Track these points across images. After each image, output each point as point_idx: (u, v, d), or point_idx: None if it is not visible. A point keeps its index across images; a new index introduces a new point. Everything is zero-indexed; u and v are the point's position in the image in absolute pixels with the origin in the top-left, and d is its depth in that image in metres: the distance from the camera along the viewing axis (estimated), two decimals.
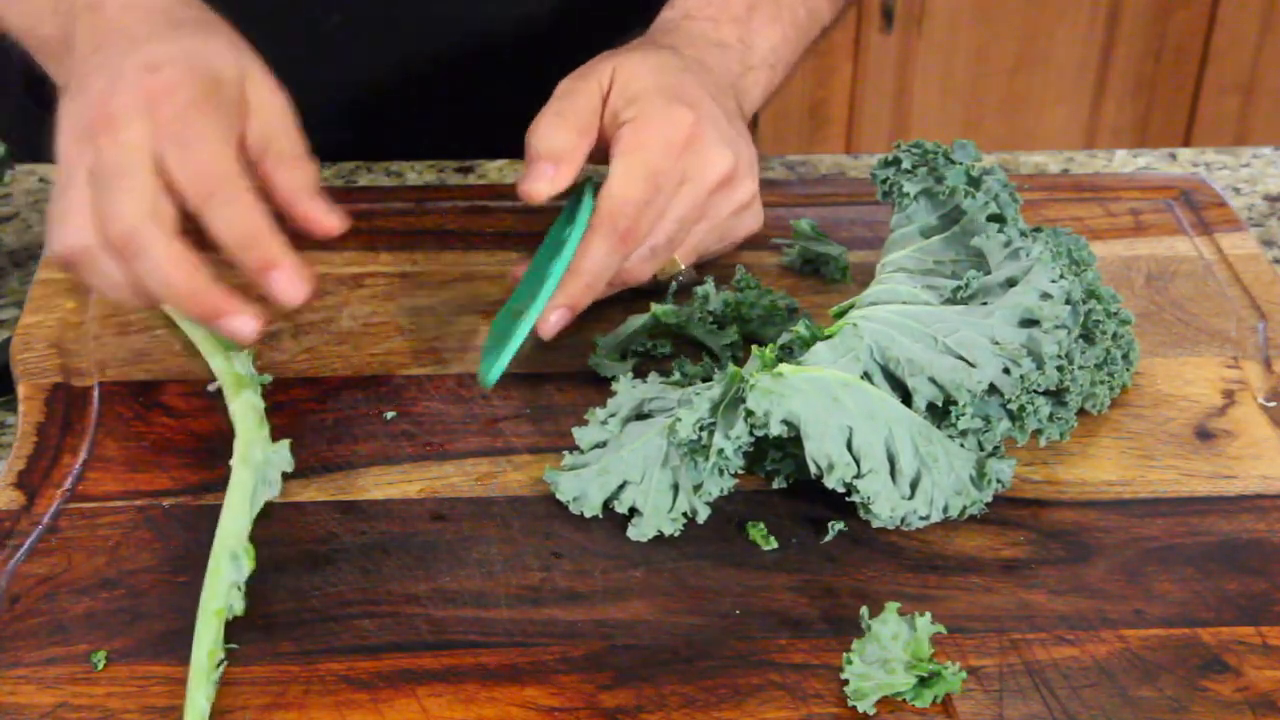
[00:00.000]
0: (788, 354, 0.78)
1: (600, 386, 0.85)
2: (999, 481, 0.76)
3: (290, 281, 0.75)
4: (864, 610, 0.70)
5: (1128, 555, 0.76)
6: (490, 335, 0.86)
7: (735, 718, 0.67)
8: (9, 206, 1.03)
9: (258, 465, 0.77)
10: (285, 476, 0.78)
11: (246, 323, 0.75)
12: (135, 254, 0.74)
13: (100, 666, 0.69)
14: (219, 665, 0.68)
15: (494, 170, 1.07)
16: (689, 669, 0.69)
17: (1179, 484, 0.80)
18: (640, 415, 0.79)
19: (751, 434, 0.74)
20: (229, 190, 0.75)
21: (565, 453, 0.79)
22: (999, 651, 0.70)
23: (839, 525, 0.76)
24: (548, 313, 0.83)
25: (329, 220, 0.80)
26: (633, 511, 0.76)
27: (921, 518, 0.75)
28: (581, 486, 0.76)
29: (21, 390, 0.83)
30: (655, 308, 0.87)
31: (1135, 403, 0.85)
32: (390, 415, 0.83)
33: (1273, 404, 0.85)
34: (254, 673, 0.69)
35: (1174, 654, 0.71)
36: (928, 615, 0.69)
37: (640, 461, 0.76)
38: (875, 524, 0.75)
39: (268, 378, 0.84)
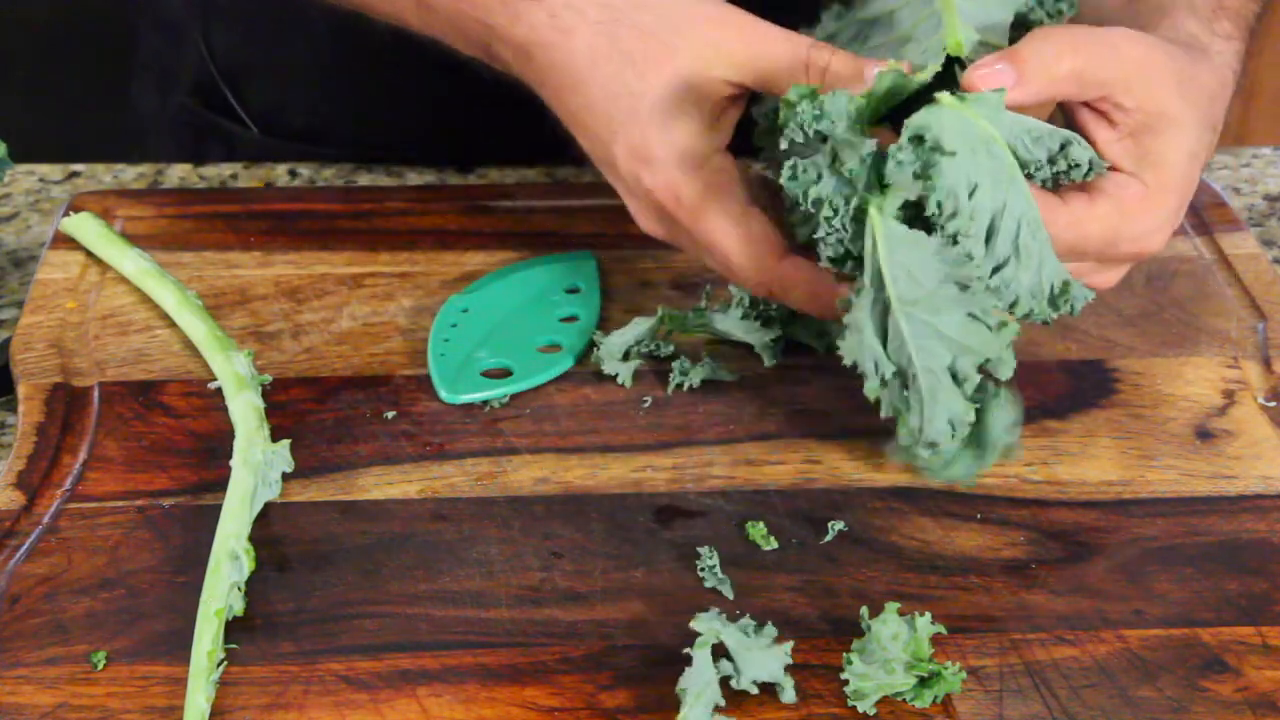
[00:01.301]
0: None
1: (601, 386, 0.85)
2: (1072, 307, 0.75)
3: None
4: (864, 610, 0.70)
5: (1128, 555, 0.76)
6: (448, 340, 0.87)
7: (735, 717, 0.67)
8: (9, 206, 1.03)
9: (258, 465, 0.77)
10: (285, 476, 0.78)
11: None
12: (779, 293, 0.80)
13: (100, 666, 0.69)
14: (219, 665, 0.68)
15: (494, 170, 1.07)
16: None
17: (1179, 484, 0.80)
18: None
19: (911, 157, 0.71)
20: (775, 284, 0.79)
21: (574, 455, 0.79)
22: (999, 651, 0.70)
23: (839, 525, 0.76)
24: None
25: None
26: None
27: (985, 302, 0.72)
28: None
29: (21, 390, 0.83)
30: (662, 309, 0.87)
31: (1135, 403, 0.85)
32: (390, 415, 0.83)
33: (1273, 404, 0.85)
34: (254, 673, 0.69)
35: (1174, 654, 0.71)
36: (928, 615, 0.69)
37: None
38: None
39: (268, 378, 0.84)
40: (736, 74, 0.77)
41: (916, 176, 0.71)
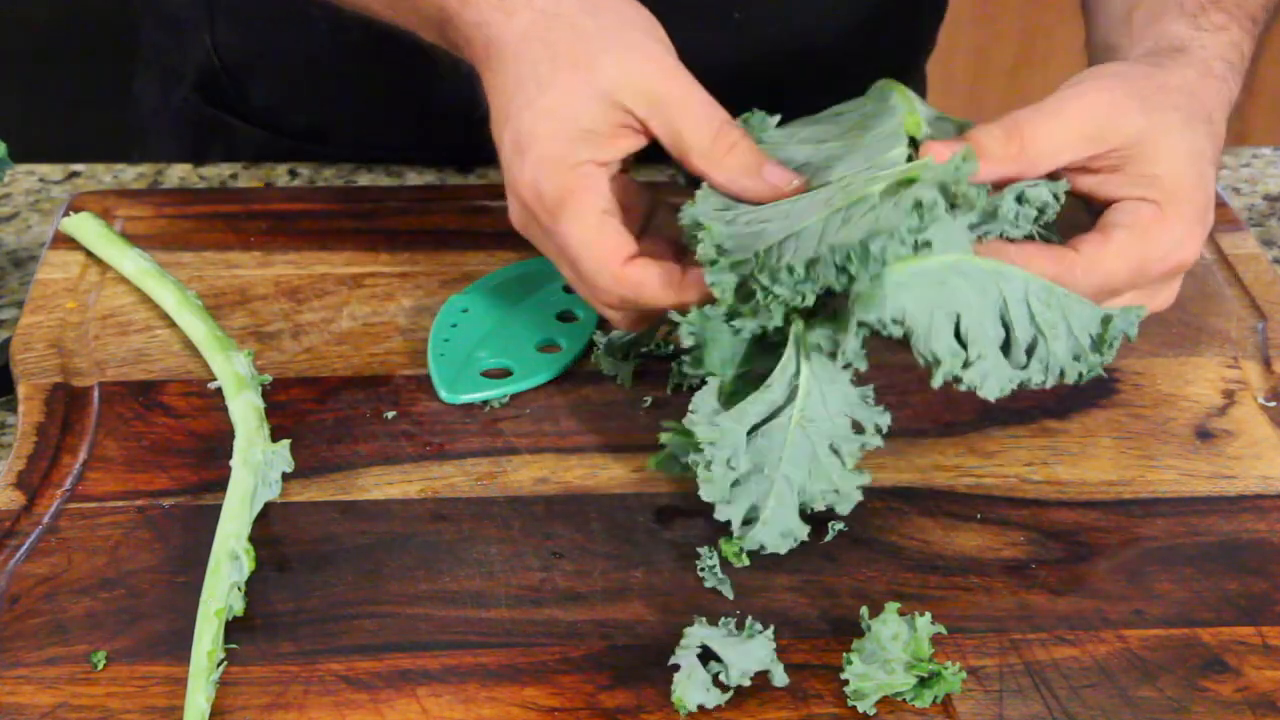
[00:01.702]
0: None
1: (601, 386, 0.85)
2: (1125, 337, 0.75)
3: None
4: (864, 610, 0.70)
5: (1128, 555, 0.76)
6: (449, 339, 0.87)
7: (735, 717, 0.67)
8: (9, 206, 1.03)
9: (258, 465, 0.77)
10: (285, 476, 0.78)
11: None
12: (631, 301, 0.76)
13: (100, 666, 0.69)
14: (219, 665, 0.68)
15: (494, 170, 1.07)
16: None
17: (1179, 484, 0.80)
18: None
19: (864, 343, 0.72)
20: (624, 290, 0.76)
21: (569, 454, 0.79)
22: (999, 651, 0.71)
23: (839, 525, 0.76)
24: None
25: (782, 186, 0.77)
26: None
27: (1038, 383, 0.74)
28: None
29: (21, 390, 0.83)
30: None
31: (1135, 403, 0.85)
32: (390, 415, 0.83)
33: (1273, 404, 0.85)
34: (254, 673, 0.69)
35: (1174, 654, 0.71)
36: (928, 615, 0.69)
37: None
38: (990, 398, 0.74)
39: (268, 378, 0.84)
40: (644, 108, 0.76)
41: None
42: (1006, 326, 0.73)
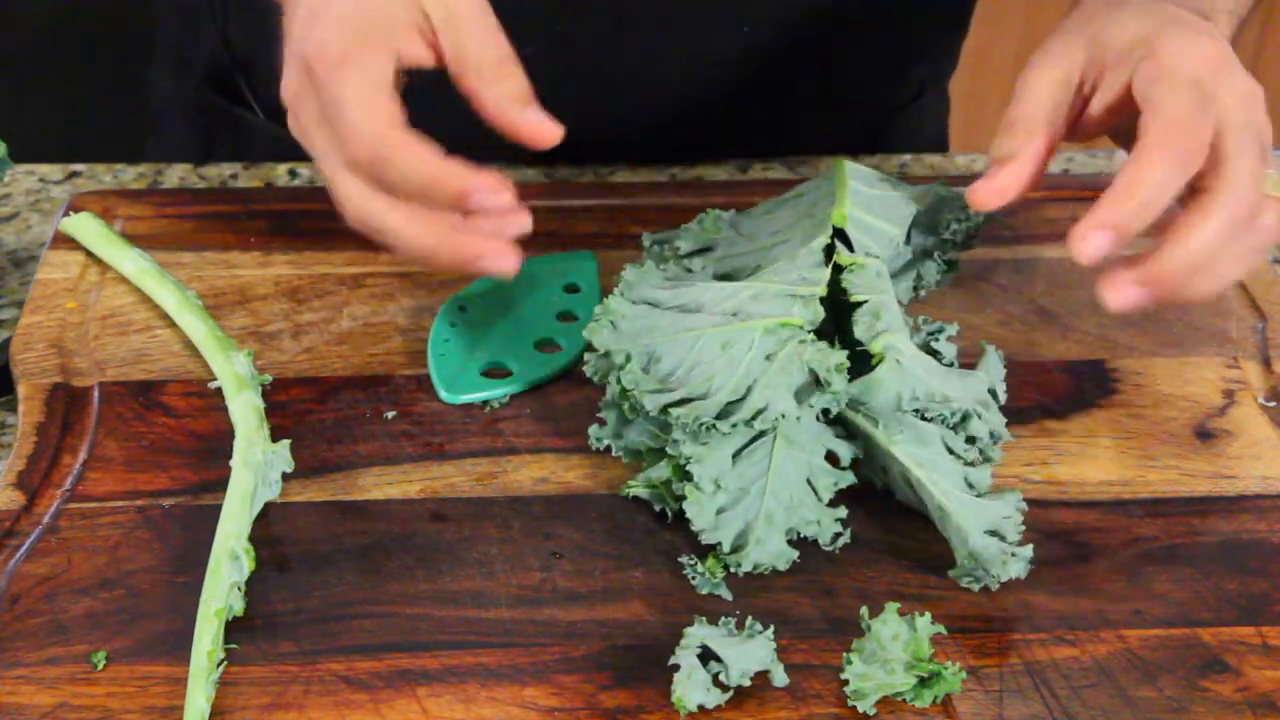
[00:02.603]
0: None
1: (600, 387, 0.85)
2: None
3: (493, 193, 0.73)
4: (864, 610, 0.70)
5: (1128, 555, 0.76)
6: (451, 337, 0.87)
7: (735, 717, 0.67)
8: (9, 206, 1.03)
9: (258, 465, 0.77)
10: (285, 476, 0.78)
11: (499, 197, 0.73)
12: (381, 162, 0.73)
13: (100, 666, 0.69)
14: (219, 665, 0.68)
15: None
16: None
17: (1179, 484, 0.80)
18: None
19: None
20: (383, 148, 0.73)
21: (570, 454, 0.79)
22: (999, 651, 0.71)
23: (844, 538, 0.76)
24: (1085, 231, 0.72)
25: (544, 129, 0.76)
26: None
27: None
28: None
29: (21, 390, 0.83)
30: None
31: (1135, 403, 0.85)
32: (390, 415, 0.83)
33: (1273, 404, 0.85)
34: (254, 673, 0.69)
35: (1174, 654, 0.71)
36: (927, 615, 0.69)
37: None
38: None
39: (268, 378, 0.84)
40: (440, 15, 0.76)
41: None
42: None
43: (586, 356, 0.78)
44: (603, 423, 0.79)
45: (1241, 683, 0.69)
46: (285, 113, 1.12)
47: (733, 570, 0.73)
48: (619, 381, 0.74)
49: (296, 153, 1.09)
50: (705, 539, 0.73)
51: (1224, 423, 0.84)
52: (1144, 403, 0.85)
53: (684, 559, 0.74)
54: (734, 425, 0.72)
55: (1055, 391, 0.86)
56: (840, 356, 0.73)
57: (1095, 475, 0.80)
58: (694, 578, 0.74)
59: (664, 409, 0.73)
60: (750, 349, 0.74)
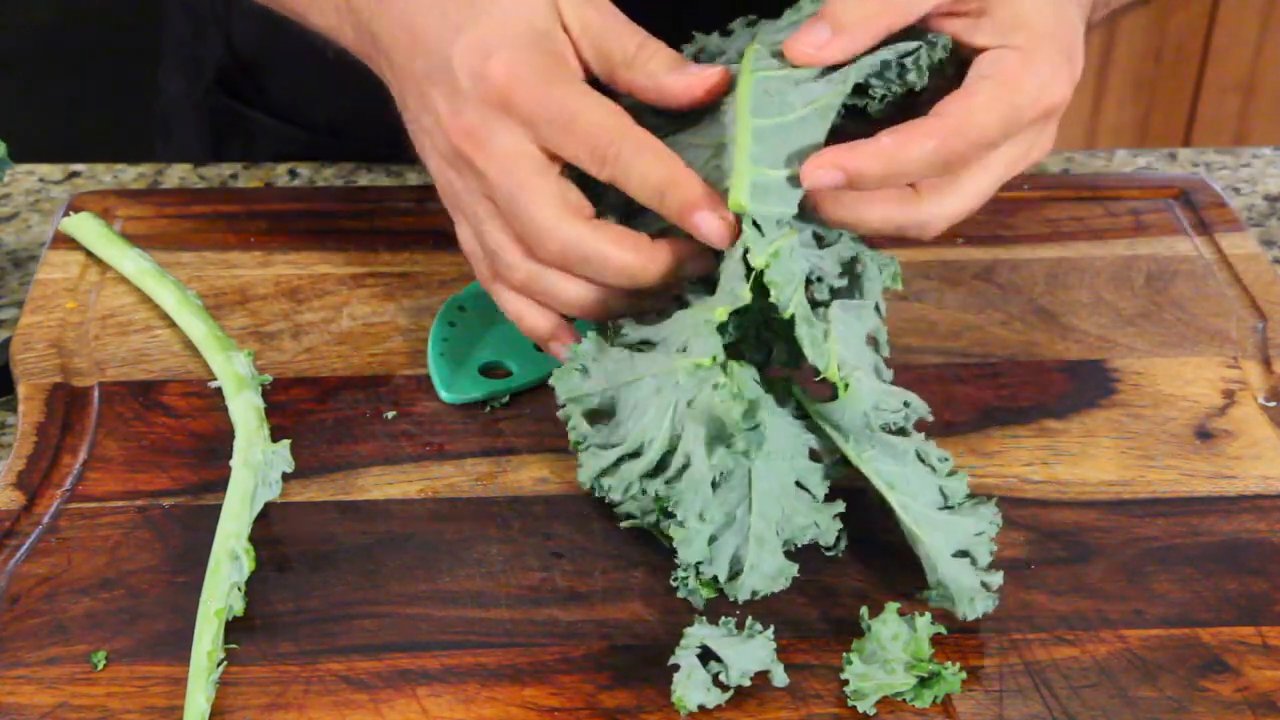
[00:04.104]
0: None
1: None
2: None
3: (715, 221, 0.71)
4: (864, 610, 0.70)
5: (1128, 555, 0.76)
6: (449, 338, 0.87)
7: (735, 717, 0.67)
8: (9, 206, 1.03)
9: (258, 465, 0.77)
10: (285, 476, 0.78)
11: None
12: (579, 262, 0.73)
13: (100, 666, 0.69)
14: (219, 665, 0.68)
15: None
16: None
17: (1179, 484, 0.80)
18: None
19: None
20: (627, 143, 0.71)
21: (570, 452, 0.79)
22: (999, 651, 0.71)
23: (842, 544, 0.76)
24: (826, 163, 0.70)
25: (705, 80, 0.74)
26: None
27: None
28: None
29: (21, 390, 0.83)
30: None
31: (1135, 403, 0.85)
32: (390, 415, 0.83)
33: (1273, 404, 0.85)
34: (254, 673, 0.69)
35: (1174, 654, 0.71)
36: (928, 615, 0.69)
37: None
38: None
39: (268, 378, 0.84)
40: (577, 27, 0.74)
41: None
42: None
43: (561, 400, 0.76)
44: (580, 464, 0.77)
45: (1241, 683, 0.69)
46: (294, 115, 1.11)
47: (731, 600, 0.72)
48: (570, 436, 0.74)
49: (305, 153, 1.09)
50: (705, 573, 0.72)
51: (1224, 423, 0.84)
52: (1144, 403, 0.85)
53: (674, 576, 0.73)
54: (667, 482, 0.71)
55: (1055, 391, 0.86)
56: (746, 400, 0.70)
57: (1095, 475, 0.80)
58: (685, 594, 0.73)
59: (598, 477, 0.73)
60: (676, 392, 0.72)
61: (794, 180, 0.71)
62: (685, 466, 0.71)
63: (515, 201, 0.73)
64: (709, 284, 0.73)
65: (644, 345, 0.74)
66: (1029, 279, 0.94)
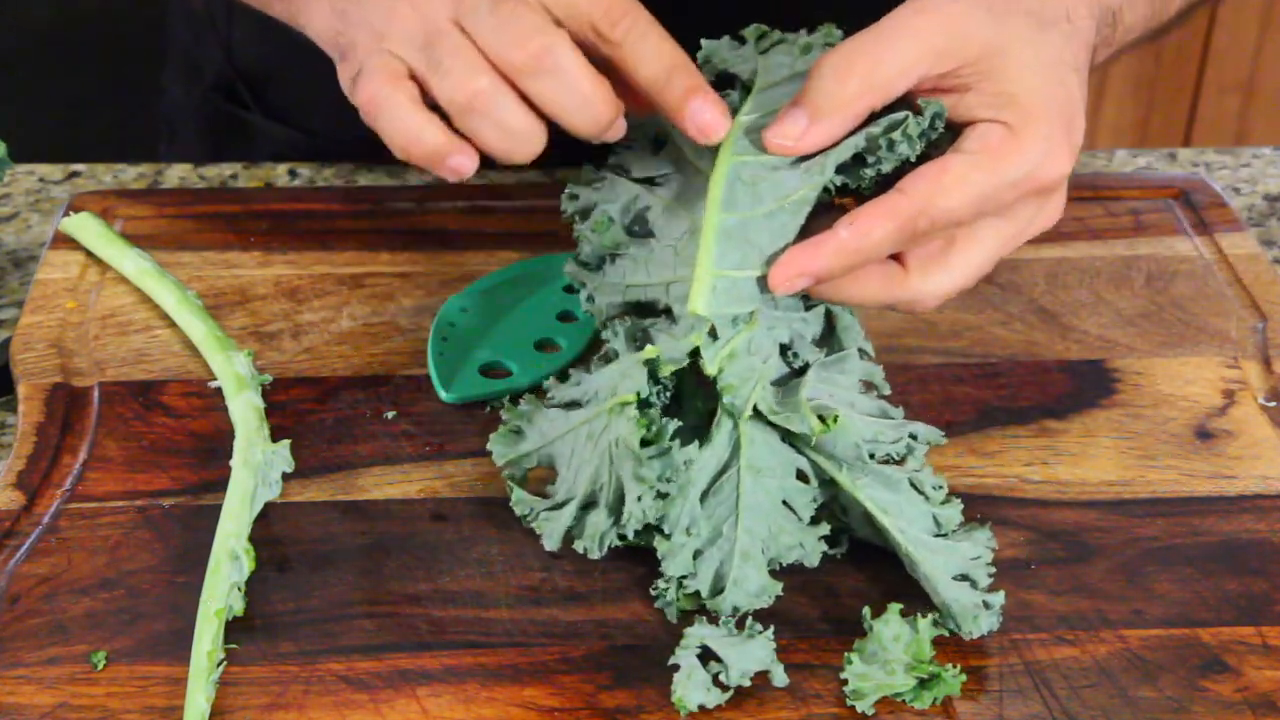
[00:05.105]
0: None
1: None
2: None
3: (713, 109, 0.69)
4: (866, 611, 0.70)
5: (1128, 555, 0.76)
6: (450, 336, 0.87)
7: (735, 717, 0.67)
8: (9, 206, 1.03)
9: (258, 465, 0.77)
10: (285, 476, 0.78)
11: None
12: (550, 70, 0.68)
13: (100, 666, 0.69)
14: (219, 665, 0.68)
15: (494, 170, 1.07)
16: None
17: (1179, 484, 0.80)
18: None
19: None
20: (643, 16, 0.69)
21: None
22: (999, 652, 0.70)
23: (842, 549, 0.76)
24: (791, 274, 0.70)
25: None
26: None
27: None
28: None
29: (21, 390, 0.83)
30: None
31: (1135, 403, 0.85)
32: (390, 415, 0.83)
33: (1273, 404, 0.85)
34: (254, 673, 0.69)
35: (1174, 654, 0.71)
36: (930, 617, 0.69)
37: None
38: None
39: (268, 378, 0.84)
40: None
41: None
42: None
43: (498, 465, 0.76)
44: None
45: (1241, 683, 0.69)
46: (295, 121, 1.11)
47: (713, 614, 0.71)
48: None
49: (303, 156, 1.09)
50: (689, 587, 0.71)
51: (1224, 423, 0.84)
52: (1144, 403, 0.85)
53: (653, 586, 0.72)
54: (636, 533, 0.71)
55: (1055, 391, 0.86)
56: (647, 425, 0.69)
57: (1095, 475, 0.80)
58: (662, 606, 0.72)
59: (569, 541, 0.73)
60: (606, 435, 0.71)
61: (761, 281, 0.72)
62: (633, 512, 0.70)
63: (500, 16, 0.69)
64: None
65: (573, 405, 0.75)
66: (1029, 279, 0.94)
